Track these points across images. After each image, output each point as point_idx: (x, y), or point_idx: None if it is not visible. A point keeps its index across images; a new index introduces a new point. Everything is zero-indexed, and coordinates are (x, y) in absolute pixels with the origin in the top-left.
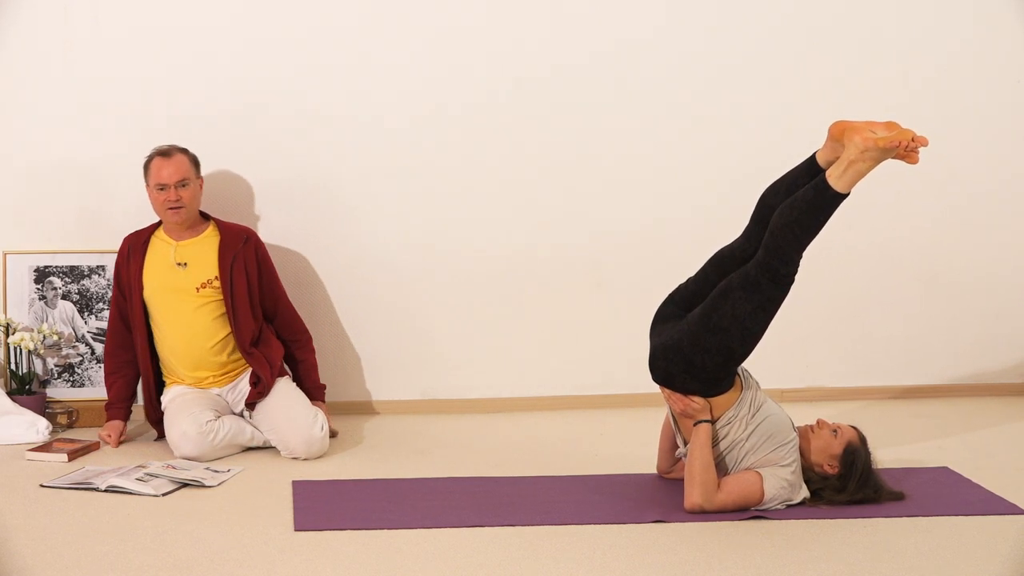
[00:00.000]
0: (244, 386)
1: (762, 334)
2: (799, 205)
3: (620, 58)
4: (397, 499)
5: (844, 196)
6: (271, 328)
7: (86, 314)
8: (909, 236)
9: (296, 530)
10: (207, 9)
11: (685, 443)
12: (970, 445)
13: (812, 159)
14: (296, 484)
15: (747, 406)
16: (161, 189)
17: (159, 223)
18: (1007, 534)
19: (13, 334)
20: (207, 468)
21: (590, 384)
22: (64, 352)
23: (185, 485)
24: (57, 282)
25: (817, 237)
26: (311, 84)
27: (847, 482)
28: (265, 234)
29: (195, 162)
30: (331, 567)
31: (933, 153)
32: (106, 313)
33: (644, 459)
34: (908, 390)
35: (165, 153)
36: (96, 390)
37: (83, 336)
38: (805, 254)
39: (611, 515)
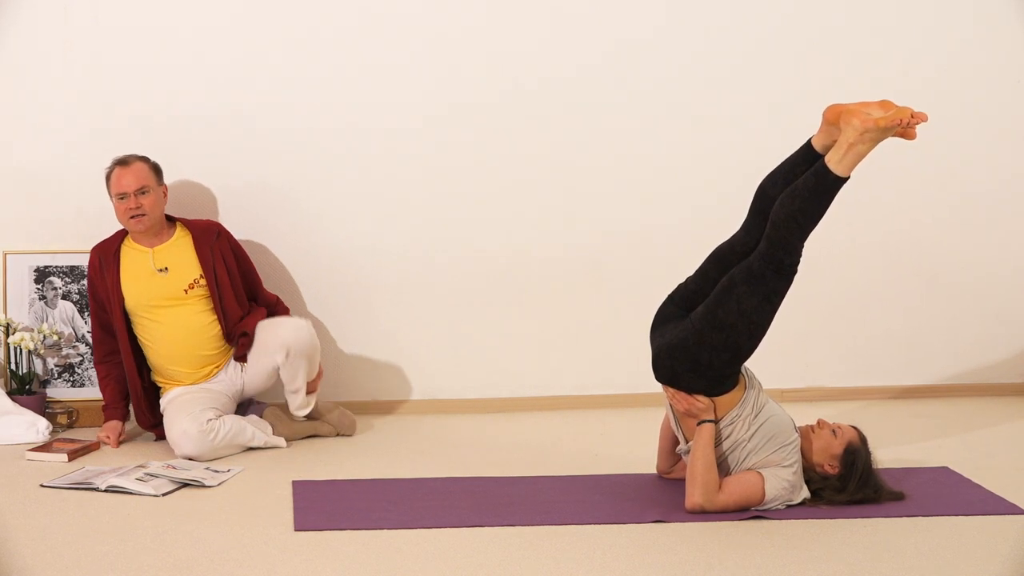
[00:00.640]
0: (240, 369)
1: (768, 327)
2: (801, 193)
3: (620, 59)
4: (397, 499)
5: (845, 180)
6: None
7: (86, 314)
8: (909, 236)
9: (296, 530)
10: (207, 9)
11: (686, 441)
12: (970, 445)
13: (808, 145)
14: (296, 484)
15: (750, 406)
16: (122, 198)
17: (125, 232)
18: (1007, 534)
19: (13, 334)
20: (207, 468)
21: (590, 384)
22: (64, 352)
23: (185, 485)
24: (57, 282)
25: (817, 238)
26: (311, 85)
27: (847, 482)
28: (263, 235)
29: (156, 170)
30: (331, 567)
31: (933, 153)
32: None
33: (644, 459)
34: (908, 390)
35: (123, 162)
36: (96, 390)
37: (83, 336)
38: (805, 254)
39: (611, 515)
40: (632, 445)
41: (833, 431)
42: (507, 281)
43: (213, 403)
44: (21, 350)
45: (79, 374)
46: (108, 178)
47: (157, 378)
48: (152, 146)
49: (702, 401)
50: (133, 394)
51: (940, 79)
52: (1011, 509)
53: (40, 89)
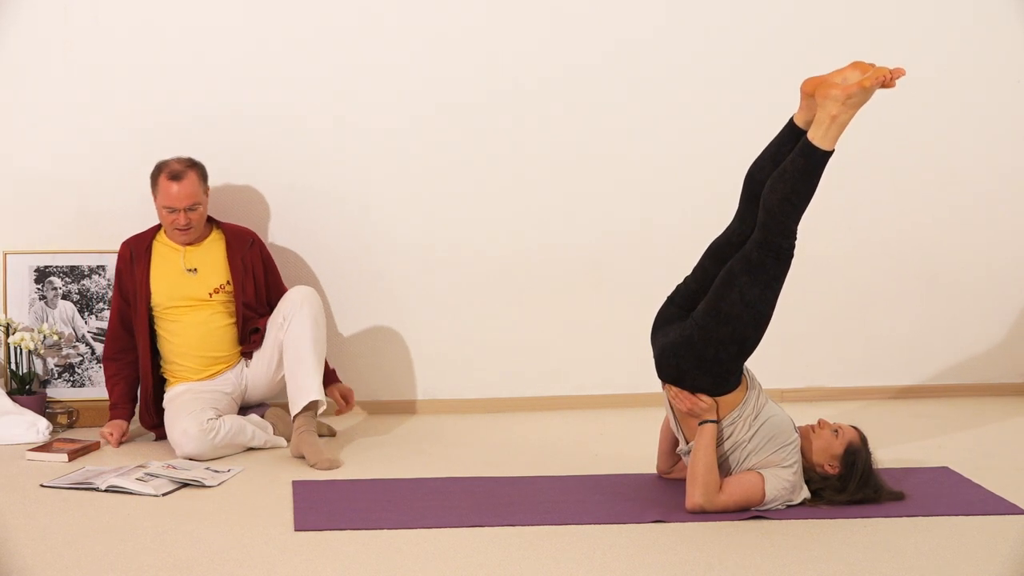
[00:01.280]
0: (245, 366)
1: (771, 315)
2: (790, 175)
3: (620, 58)
4: (397, 499)
5: (831, 153)
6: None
7: (86, 314)
8: (909, 236)
9: (296, 530)
10: (207, 10)
11: (687, 442)
12: (970, 445)
13: (791, 124)
14: (296, 484)
15: (751, 406)
16: (170, 211)
17: (159, 227)
18: (1007, 534)
19: (13, 334)
20: (207, 468)
21: (590, 384)
22: (64, 352)
23: (185, 485)
24: (57, 282)
25: (818, 238)
26: (311, 85)
27: (848, 482)
28: (262, 235)
29: (205, 177)
30: (331, 567)
31: (933, 153)
32: (106, 313)
33: (644, 459)
34: (908, 390)
35: (175, 176)
36: (96, 390)
37: (83, 336)
38: (806, 255)
39: (611, 515)
40: (632, 445)
41: (834, 431)
42: (507, 281)
43: (215, 403)
44: (21, 350)
45: (79, 374)
46: (155, 182)
47: (165, 369)
48: (152, 146)
49: (705, 401)
50: (143, 390)
51: (940, 79)
52: (1011, 509)
53: (40, 89)
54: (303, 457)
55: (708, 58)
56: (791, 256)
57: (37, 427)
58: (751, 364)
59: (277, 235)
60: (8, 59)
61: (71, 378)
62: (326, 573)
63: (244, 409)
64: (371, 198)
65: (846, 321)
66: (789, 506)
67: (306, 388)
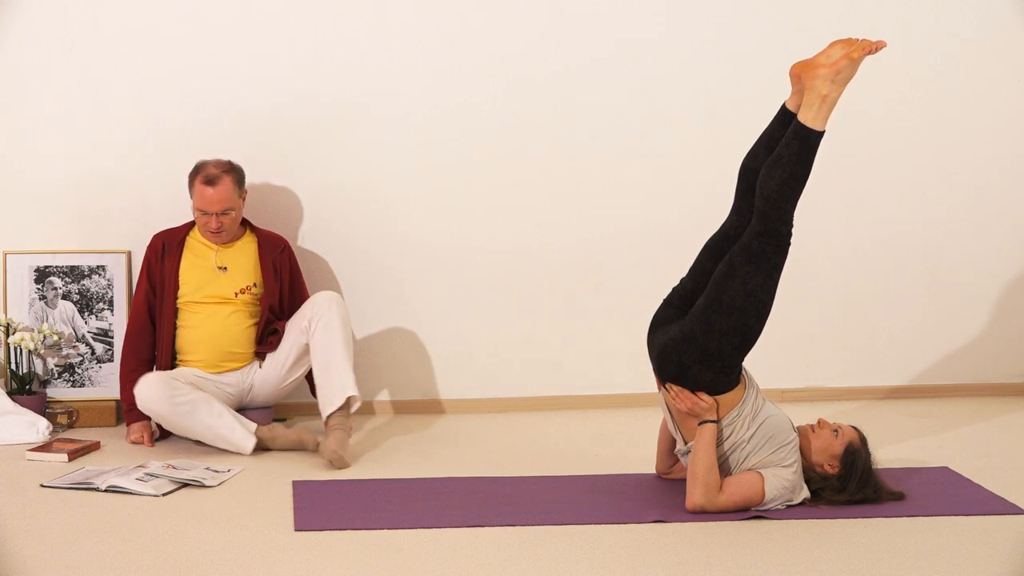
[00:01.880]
0: (257, 368)
1: (771, 306)
2: (787, 159)
3: (621, 58)
4: (397, 499)
5: (823, 134)
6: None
7: (86, 314)
8: (910, 236)
9: (296, 530)
10: (206, 10)
11: (685, 443)
12: (970, 445)
13: (783, 110)
14: (296, 484)
15: (750, 405)
16: (204, 214)
17: (192, 224)
18: (1007, 534)
19: (13, 334)
20: (207, 468)
21: (590, 384)
22: (64, 352)
23: (185, 485)
24: (57, 282)
25: (818, 239)
26: (311, 85)
27: (847, 482)
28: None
29: (241, 181)
30: (331, 567)
31: (933, 153)
32: (107, 313)
33: (644, 459)
34: (908, 390)
35: (210, 181)
36: (97, 390)
37: (83, 336)
38: (806, 255)
39: (611, 515)
40: (632, 445)
41: (834, 431)
42: (507, 281)
43: (208, 388)
44: (21, 350)
45: (79, 374)
46: (192, 183)
47: (179, 362)
48: (152, 146)
49: (705, 400)
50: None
51: (940, 79)
52: (1011, 509)
53: (40, 90)
54: (330, 451)
55: (708, 58)
56: (789, 244)
57: (37, 427)
58: (751, 364)
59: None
60: (8, 60)
61: (71, 378)
62: (326, 573)
63: (244, 411)
64: (369, 198)
65: (846, 321)
66: (789, 506)
67: (342, 385)
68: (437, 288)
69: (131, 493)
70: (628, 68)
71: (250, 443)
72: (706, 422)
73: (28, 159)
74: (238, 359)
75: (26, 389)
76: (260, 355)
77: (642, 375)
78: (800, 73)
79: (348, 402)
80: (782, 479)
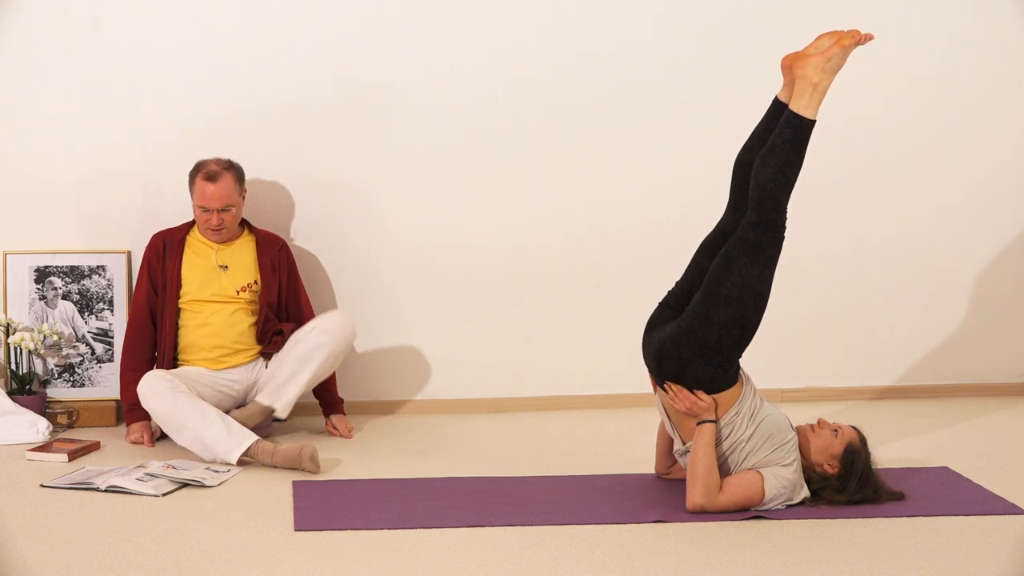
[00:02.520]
0: (262, 366)
1: (768, 298)
2: (780, 147)
3: (619, 57)
4: (397, 499)
5: (814, 123)
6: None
7: (86, 314)
8: (909, 236)
9: (296, 530)
10: (207, 10)
11: (684, 443)
12: (970, 445)
13: (775, 102)
14: (296, 484)
15: (748, 404)
16: (204, 211)
17: (192, 223)
18: (1007, 534)
19: (13, 334)
20: (207, 468)
21: (590, 384)
22: (64, 352)
23: (185, 485)
24: (57, 282)
25: (818, 239)
26: (311, 85)
27: (847, 482)
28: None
29: (240, 179)
30: (331, 567)
31: (932, 153)
32: (107, 313)
33: (644, 459)
34: (908, 390)
35: (211, 177)
36: (97, 390)
37: (83, 336)
38: (806, 255)
39: (611, 515)
40: (632, 445)
41: (833, 431)
42: (507, 281)
43: (208, 387)
44: (21, 350)
45: (79, 374)
46: (192, 180)
47: (182, 361)
48: (152, 146)
49: (704, 399)
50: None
51: (940, 79)
52: (1011, 509)
53: (40, 89)
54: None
55: (708, 57)
56: (784, 235)
57: (37, 427)
58: (750, 363)
59: (282, 232)
60: (8, 60)
61: (71, 378)
62: (326, 573)
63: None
64: (369, 198)
65: (845, 321)
66: (789, 506)
67: (278, 395)
68: (437, 288)
69: (131, 493)
70: (628, 68)
71: (234, 456)
72: (705, 422)
73: (28, 159)
74: (241, 355)
75: (26, 389)
76: (266, 355)
77: (642, 375)
78: (791, 64)
79: (267, 412)
80: (782, 478)
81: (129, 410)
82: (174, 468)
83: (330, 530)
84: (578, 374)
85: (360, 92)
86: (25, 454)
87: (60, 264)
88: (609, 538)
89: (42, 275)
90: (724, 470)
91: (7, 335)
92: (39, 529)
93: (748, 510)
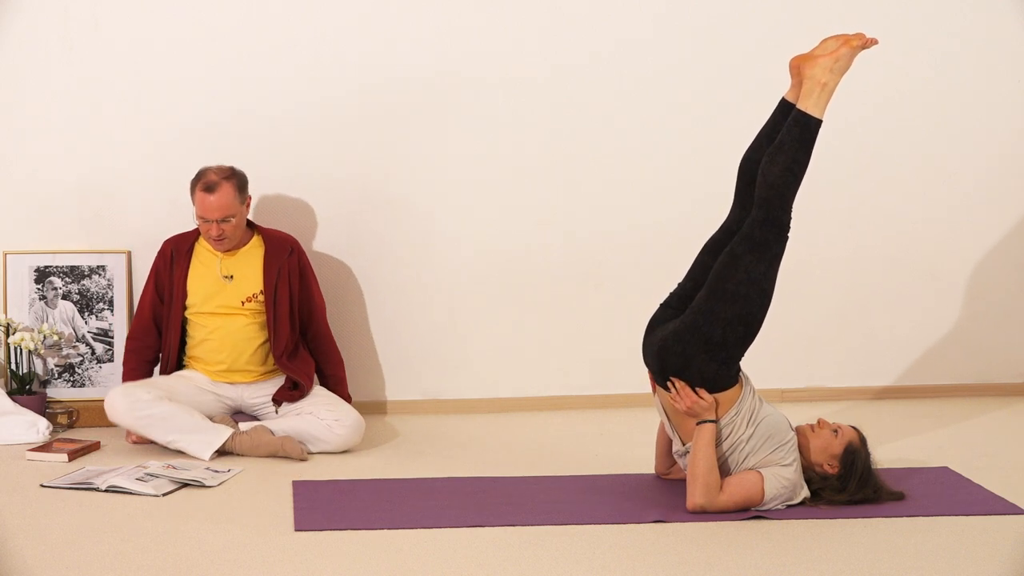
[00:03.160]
0: (270, 388)
1: (772, 296)
2: (788, 145)
3: (620, 57)
4: (397, 499)
5: (821, 123)
6: (304, 343)
7: (86, 314)
8: (909, 236)
9: (296, 530)
10: (207, 11)
11: (683, 443)
12: (970, 445)
13: (782, 103)
14: (296, 484)
15: (748, 404)
16: (204, 222)
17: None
18: (1007, 534)
19: (13, 334)
20: (207, 468)
21: (590, 384)
22: (64, 352)
23: (185, 485)
24: (57, 282)
25: (818, 238)
26: (312, 85)
27: (847, 482)
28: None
29: (242, 187)
30: (331, 567)
31: (932, 154)
32: (107, 313)
33: (644, 459)
34: (908, 390)
35: (209, 188)
36: (97, 390)
37: (83, 336)
38: (806, 256)
39: (611, 515)
40: (632, 445)
41: (833, 431)
42: (507, 281)
43: (192, 396)
44: (21, 350)
45: (79, 374)
46: (192, 190)
47: (187, 364)
48: (152, 146)
49: (705, 398)
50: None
51: (940, 79)
52: (1011, 509)
53: (40, 90)
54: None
55: (708, 57)
56: (788, 235)
57: (37, 427)
58: (750, 363)
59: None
60: (8, 60)
61: (71, 378)
62: (326, 573)
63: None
64: (368, 197)
65: (846, 321)
66: (789, 506)
67: (274, 435)
68: (437, 288)
69: (131, 493)
70: (628, 68)
71: (207, 453)
72: (705, 422)
73: (28, 159)
74: (244, 375)
75: (26, 389)
76: (276, 402)
77: (642, 375)
78: (799, 64)
79: (234, 425)
80: (782, 478)
81: None
82: (174, 468)
83: (330, 530)
84: (578, 374)
85: (360, 93)
86: (25, 454)
87: (60, 264)
88: (609, 538)
89: (42, 275)
90: (724, 470)
91: (7, 335)
92: (39, 529)
93: (748, 510)
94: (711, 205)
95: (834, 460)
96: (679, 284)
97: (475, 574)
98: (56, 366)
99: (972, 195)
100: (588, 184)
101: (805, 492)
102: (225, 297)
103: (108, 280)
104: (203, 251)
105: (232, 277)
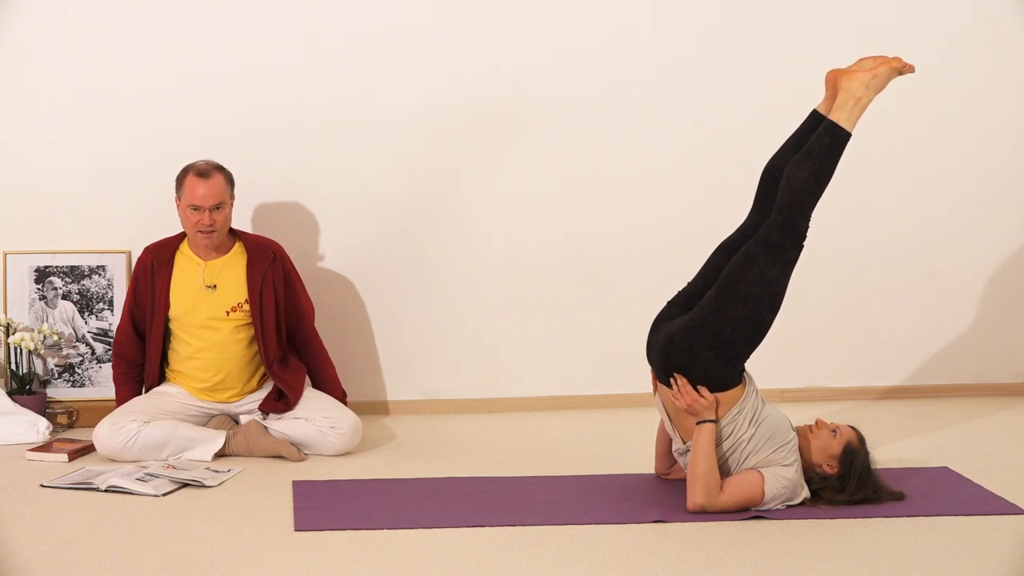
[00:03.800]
0: (257, 397)
1: (783, 301)
2: (816, 153)
3: (618, 56)
4: (397, 499)
5: (850, 137)
6: (292, 349)
7: (86, 314)
8: (909, 236)
9: (296, 530)
10: (207, 11)
11: (684, 442)
12: (970, 445)
13: (814, 115)
14: (296, 484)
15: (751, 403)
16: (195, 210)
17: (182, 236)
18: (1007, 534)
19: (13, 334)
20: (207, 468)
21: (590, 384)
22: (64, 352)
23: (185, 485)
24: (57, 282)
25: (818, 238)
26: (312, 86)
27: (847, 482)
28: (257, 230)
29: (231, 181)
30: (331, 567)
31: (932, 153)
32: (107, 313)
33: (644, 459)
34: (908, 390)
35: (202, 174)
36: (97, 390)
37: (83, 336)
38: (807, 256)
39: (611, 515)
40: (632, 445)
41: (832, 431)
42: (507, 281)
43: (175, 413)
44: (21, 350)
45: (79, 374)
46: (180, 182)
47: (170, 376)
48: (152, 146)
49: (706, 397)
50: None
51: (939, 78)
52: (1011, 509)
53: (40, 89)
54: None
55: (707, 56)
56: (804, 243)
57: (37, 427)
58: (751, 363)
59: (275, 235)
60: (8, 59)
61: (71, 378)
62: (326, 573)
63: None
64: (368, 197)
65: (846, 321)
66: (789, 506)
67: (273, 435)
68: (437, 288)
69: (131, 493)
70: (625, 66)
71: (207, 457)
72: (705, 422)
73: (28, 159)
74: (232, 393)
75: (26, 389)
76: (264, 412)
77: (642, 375)
78: (837, 77)
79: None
80: (782, 479)
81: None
82: (174, 468)
83: (330, 530)
84: (578, 374)
85: (360, 94)
86: (25, 454)
87: (60, 264)
88: (609, 538)
89: (42, 275)
90: (724, 470)
91: (7, 335)
92: (39, 529)
93: (748, 510)
94: (711, 205)
95: (833, 460)
96: (689, 282)
97: (475, 574)
98: (56, 366)
99: (972, 195)
100: (588, 184)
101: (805, 493)
102: (209, 308)
103: (108, 280)
104: (184, 260)
105: (215, 287)
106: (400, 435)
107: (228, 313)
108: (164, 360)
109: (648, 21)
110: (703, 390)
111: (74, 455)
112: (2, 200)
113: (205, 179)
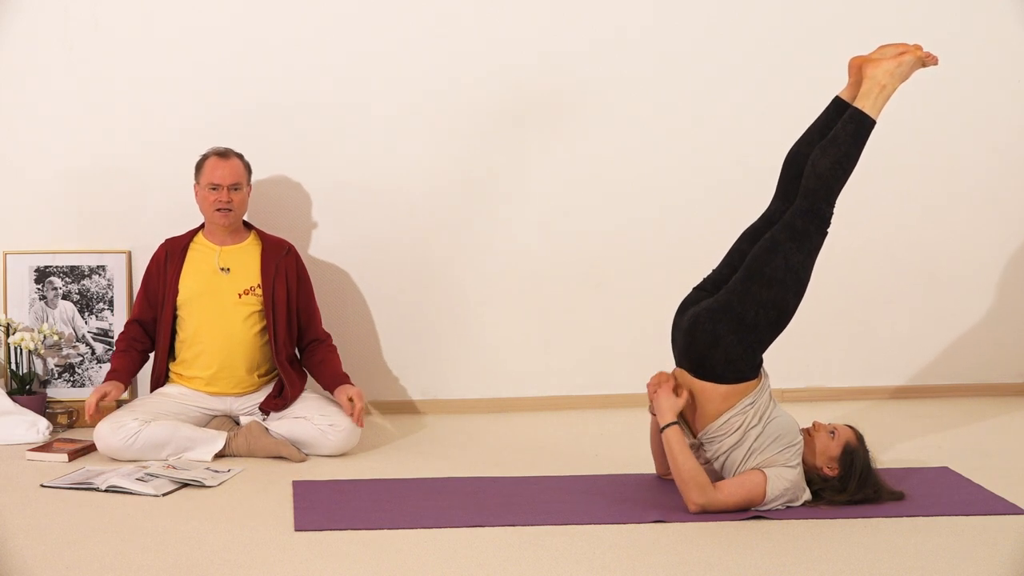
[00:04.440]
0: (258, 397)
1: (807, 288)
2: (842, 140)
3: (618, 56)
4: (397, 499)
5: (875, 124)
6: (299, 352)
7: (86, 314)
8: (909, 237)
9: (296, 530)
10: (207, 10)
11: (694, 435)
12: (970, 445)
13: (836, 101)
14: (296, 484)
15: (764, 399)
16: (213, 189)
17: (198, 229)
18: (1007, 534)
19: (13, 334)
20: (207, 468)
21: (590, 384)
22: (64, 352)
23: (185, 485)
24: (57, 282)
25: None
26: (312, 84)
27: (847, 482)
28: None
29: (248, 168)
30: (331, 567)
31: (933, 153)
32: (107, 313)
33: (644, 459)
34: (908, 390)
35: (222, 154)
36: None
37: (83, 336)
38: None
39: (611, 515)
40: (632, 445)
41: (830, 432)
42: (507, 281)
43: (176, 414)
44: (21, 350)
45: (79, 374)
46: (200, 166)
47: (173, 375)
48: (152, 146)
49: (681, 395)
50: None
51: (939, 77)
52: (1011, 509)
53: (40, 90)
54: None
55: (707, 56)
56: (828, 230)
57: (37, 427)
58: None
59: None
60: (8, 60)
61: (71, 378)
62: (326, 573)
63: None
64: (368, 197)
65: (846, 321)
66: (789, 506)
67: (272, 438)
68: (437, 288)
69: (131, 493)
70: (625, 66)
71: (207, 457)
72: (667, 426)
73: (28, 159)
74: (235, 384)
75: (26, 389)
76: (263, 410)
77: (642, 375)
78: (861, 65)
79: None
80: (785, 480)
81: (109, 373)
82: (174, 468)
83: (330, 530)
84: (578, 374)
85: (360, 93)
86: (25, 454)
87: (60, 264)
88: (609, 538)
89: (42, 275)
90: (729, 463)
91: (7, 335)
92: (39, 529)
93: (748, 510)
94: (711, 205)
95: (833, 462)
96: (714, 269)
97: (475, 574)
98: (56, 366)
99: (972, 194)
100: (588, 184)
101: (807, 495)
102: (221, 288)
103: (108, 280)
104: (199, 247)
105: (229, 270)
106: (400, 435)
107: (240, 296)
108: (171, 355)
109: (648, 21)
110: (683, 391)
111: (74, 455)
112: (2, 200)
113: (224, 159)
